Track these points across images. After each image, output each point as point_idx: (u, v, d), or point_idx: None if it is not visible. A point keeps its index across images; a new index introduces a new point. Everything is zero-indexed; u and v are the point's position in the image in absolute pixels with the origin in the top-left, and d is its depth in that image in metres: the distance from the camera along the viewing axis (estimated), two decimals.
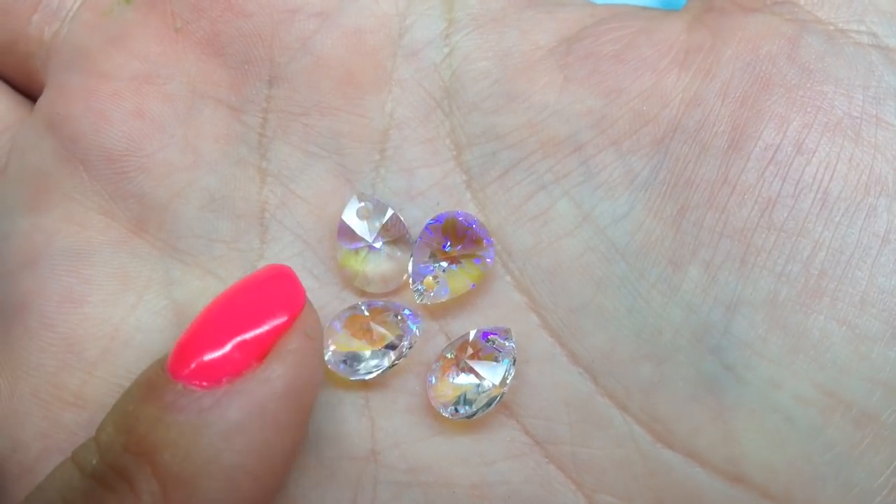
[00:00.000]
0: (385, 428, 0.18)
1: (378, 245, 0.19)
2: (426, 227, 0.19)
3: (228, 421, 0.15)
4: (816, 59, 0.18)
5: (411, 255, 0.19)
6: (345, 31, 0.19)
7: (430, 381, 0.18)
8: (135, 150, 0.19)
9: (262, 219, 0.20)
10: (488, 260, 0.19)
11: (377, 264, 0.19)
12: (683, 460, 0.17)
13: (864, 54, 0.17)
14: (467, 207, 0.19)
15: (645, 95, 0.18)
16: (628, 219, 0.18)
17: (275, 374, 0.16)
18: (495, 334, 0.18)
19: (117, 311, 0.19)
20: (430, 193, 0.19)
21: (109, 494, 0.15)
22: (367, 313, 0.19)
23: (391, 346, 0.18)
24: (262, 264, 0.19)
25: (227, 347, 0.16)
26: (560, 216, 0.18)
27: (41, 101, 0.20)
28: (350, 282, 0.19)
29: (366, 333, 0.18)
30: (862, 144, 0.17)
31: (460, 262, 0.19)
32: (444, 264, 0.19)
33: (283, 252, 0.19)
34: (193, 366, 0.16)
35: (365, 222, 0.19)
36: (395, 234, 0.19)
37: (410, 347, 0.18)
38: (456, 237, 0.19)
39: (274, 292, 0.16)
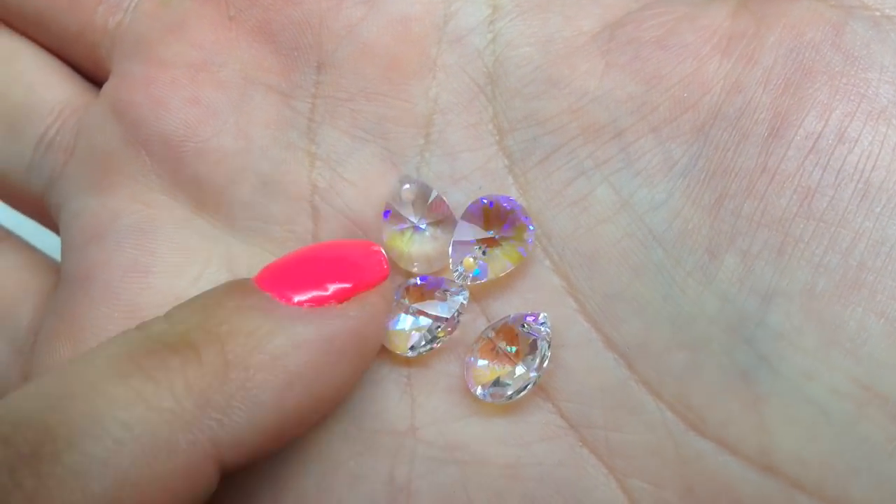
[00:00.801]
0: (425, 406, 0.19)
1: (423, 226, 0.20)
2: (468, 210, 0.19)
3: (302, 333, 0.17)
4: (861, 46, 0.17)
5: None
6: (391, 18, 0.20)
7: (468, 363, 0.19)
8: (191, 136, 0.20)
9: (313, 201, 0.20)
10: (528, 243, 0.19)
11: (422, 245, 0.20)
12: (715, 449, 0.17)
13: None
14: (509, 191, 0.19)
15: (686, 82, 0.18)
16: (666, 206, 0.18)
17: (352, 313, 0.17)
18: (532, 318, 0.18)
19: (180, 282, 0.20)
20: (473, 177, 0.20)
21: (173, 355, 0.16)
22: (419, 285, 0.19)
23: (442, 319, 0.19)
24: None
25: (318, 285, 0.17)
26: (599, 202, 0.18)
27: (106, 87, 0.21)
28: (396, 262, 0.20)
29: (421, 311, 0.19)
30: None
31: (501, 245, 0.19)
32: (485, 247, 0.19)
33: (333, 233, 0.20)
34: (281, 287, 0.17)
35: (410, 204, 0.20)
36: (439, 216, 0.20)
37: (457, 324, 0.19)
38: (497, 220, 0.19)
39: (365, 259, 0.18)
